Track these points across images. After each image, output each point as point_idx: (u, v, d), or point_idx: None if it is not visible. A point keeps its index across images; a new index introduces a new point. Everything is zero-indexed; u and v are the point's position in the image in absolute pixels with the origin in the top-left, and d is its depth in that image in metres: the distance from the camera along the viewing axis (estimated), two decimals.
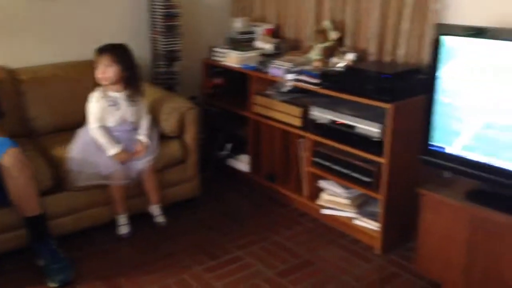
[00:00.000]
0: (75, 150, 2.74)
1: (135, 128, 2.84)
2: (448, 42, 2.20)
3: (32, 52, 3.22)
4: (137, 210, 2.92)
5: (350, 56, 2.91)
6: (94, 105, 2.76)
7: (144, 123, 2.86)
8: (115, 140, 2.75)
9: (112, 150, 2.72)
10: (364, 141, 2.62)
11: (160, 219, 2.93)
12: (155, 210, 2.93)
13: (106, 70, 2.73)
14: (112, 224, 2.84)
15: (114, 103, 2.77)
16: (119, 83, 2.78)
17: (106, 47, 2.79)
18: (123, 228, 2.82)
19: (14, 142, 2.41)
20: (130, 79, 2.80)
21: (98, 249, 2.71)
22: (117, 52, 2.78)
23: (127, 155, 2.75)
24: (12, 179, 2.33)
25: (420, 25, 2.76)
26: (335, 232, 2.86)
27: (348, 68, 2.82)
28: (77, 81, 3.19)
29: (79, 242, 2.74)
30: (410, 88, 2.57)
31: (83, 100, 3.10)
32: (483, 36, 2.09)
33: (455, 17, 2.61)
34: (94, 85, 2.82)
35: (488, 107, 2.09)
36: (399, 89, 2.51)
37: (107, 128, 2.77)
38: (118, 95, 2.79)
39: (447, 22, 2.62)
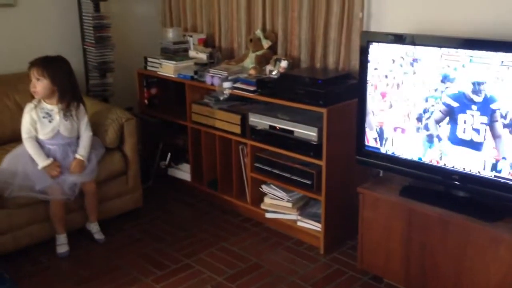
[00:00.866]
0: (7, 161, 2.66)
1: (70, 143, 2.77)
2: (373, 48, 2.36)
3: None
4: (79, 224, 2.87)
5: (283, 64, 3.01)
6: (25, 116, 2.72)
7: (84, 140, 2.79)
8: (47, 153, 2.69)
9: (41, 163, 2.65)
10: (302, 145, 2.74)
11: (98, 236, 2.88)
12: (93, 227, 2.89)
13: (36, 84, 2.68)
14: (53, 241, 2.76)
15: (48, 115, 2.72)
16: (52, 97, 2.72)
17: (36, 60, 2.73)
18: (61, 248, 2.75)
19: None
20: (64, 93, 2.73)
21: (40, 267, 2.63)
22: (47, 65, 2.70)
23: (57, 169, 2.67)
24: None
25: (347, 33, 2.91)
26: (280, 235, 2.95)
27: (282, 75, 2.93)
28: (5, 95, 3.07)
29: (20, 261, 2.65)
30: (342, 92, 2.71)
31: (16, 113, 3.02)
32: (404, 42, 2.27)
33: (378, 25, 2.80)
34: (30, 97, 2.76)
35: (407, 108, 2.27)
36: (332, 94, 2.64)
37: (40, 140, 2.70)
38: (52, 107, 2.73)
39: (371, 30, 2.80)
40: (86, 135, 2.81)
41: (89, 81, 3.58)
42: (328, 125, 2.59)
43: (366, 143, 2.47)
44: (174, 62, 3.39)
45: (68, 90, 2.75)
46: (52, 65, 2.72)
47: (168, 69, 3.42)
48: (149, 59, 3.58)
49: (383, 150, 2.42)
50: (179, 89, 3.50)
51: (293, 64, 3.14)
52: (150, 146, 3.55)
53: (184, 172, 3.53)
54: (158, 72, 3.49)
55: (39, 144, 2.71)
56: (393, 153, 2.38)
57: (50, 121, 2.71)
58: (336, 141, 2.66)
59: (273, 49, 3.25)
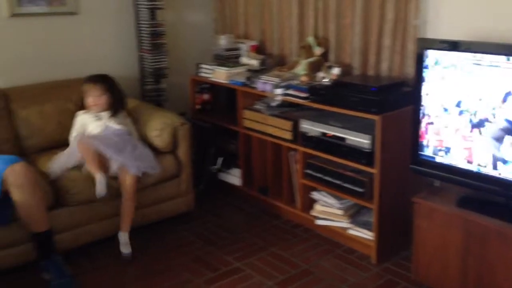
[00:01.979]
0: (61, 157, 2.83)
1: (123, 134, 2.95)
2: (429, 55, 2.33)
3: (21, 72, 3.23)
4: (140, 223, 2.97)
5: (335, 71, 3.02)
6: (76, 120, 3.01)
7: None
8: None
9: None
10: (354, 152, 2.73)
11: (125, 249, 2.78)
12: (123, 237, 2.81)
13: (99, 99, 2.97)
14: (110, 240, 2.86)
15: (97, 117, 3.00)
16: (108, 109, 3.01)
17: (96, 78, 3.02)
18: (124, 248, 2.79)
19: (21, 158, 2.46)
20: (117, 104, 3.05)
21: (98, 265, 2.73)
22: (107, 82, 3.02)
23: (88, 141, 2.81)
24: (24, 195, 2.36)
25: (402, 40, 2.89)
26: (330, 242, 2.94)
27: (334, 82, 2.93)
28: (66, 99, 3.21)
29: (78, 258, 2.76)
30: (396, 100, 2.69)
31: (72, 117, 3.16)
32: (461, 49, 2.23)
33: (434, 32, 2.76)
34: (82, 104, 3.05)
35: (467, 117, 2.23)
36: (385, 101, 2.63)
37: (93, 136, 2.90)
38: (101, 113, 3.01)
39: (427, 37, 2.77)
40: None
41: (144, 86, 3.69)
42: (381, 132, 2.57)
43: (421, 152, 2.43)
44: (226, 69, 3.45)
45: (119, 101, 3.07)
46: (109, 82, 3.05)
47: (220, 75, 3.48)
48: (202, 66, 3.66)
49: (438, 159, 2.38)
50: (231, 95, 3.57)
51: (345, 71, 3.13)
52: (202, 150, 3.62)
53: (234, 177, 3.58)
54: (211, 78, 3.56)
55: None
56: (449, 162, 2.34)
57: (99, 119, 2.98)
58: (389, 149, 2.63)
59: (325, 56, 3.26)
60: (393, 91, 2.74)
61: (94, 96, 2.97)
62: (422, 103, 2.39)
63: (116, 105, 3.03)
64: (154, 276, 2.62)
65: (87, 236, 2.80)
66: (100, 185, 2.69)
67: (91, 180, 2.72)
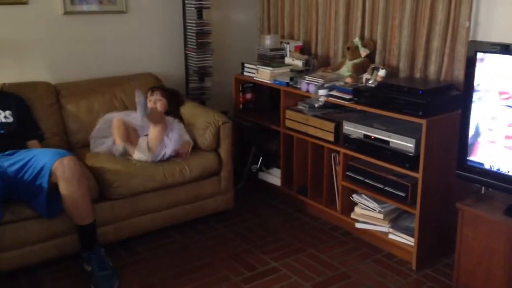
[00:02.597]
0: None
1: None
2: (481, 59, 2.26)
3: (72, 68, 3.34)
4: (179, 219, 3.02)
5: (381, 73, 2.96)
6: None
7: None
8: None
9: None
10: (398, 156, 2.67)
11: None
12: None
13: (158, 103, 3.12)
14: (151, 234, 2.92)
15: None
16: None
17: (157, 86, 3.29)
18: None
19: (70, 152, 2.55)
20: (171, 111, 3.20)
21: (138, 258, 2.78)
22: (165, 89, 3.23)
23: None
24: (71, 188, 2.43)
25: (452, 42, 2.81)
26: (370, 246, 2.89)
27: (380, 84, 2.88)
28: (113, 96, 3.30)
29: (119, 251, 2.82)
30: (444, 104, 2.62)
31: None
32: None
33: (485, 34, 2.68)
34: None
35: None
36: (433, 104, 2.56)
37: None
38: None
39: (478, 39, 2.68)
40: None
41: (189, 84, 3.74)
42: (427, 136, 2.51)
43: (468, 157, 2.36)
44: (270, 68, 3.46)
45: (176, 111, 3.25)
46: (171, 93, 3.27)
47: (264, 75, 3.49)
48: (246, 65, 3.67)
49: (487, 165, 2.29)
50: (274, 95, 3.57)
51: (391, 73, 3.08)
52: (243, 149, 3.64)
53: (274, 177, 3.58)
54: (254, 78, 3.58)
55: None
56: (498, 169, 2.25)
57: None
58: (435, 154, 2.56)
59: (370, 57, 3.21)
60: (440, 94, 2.67)
61: (153, 100, 3.13)
62: (471, 107, 2.31)
63: (169, 112, 3.16)
64: (192, 272, 2.65)
65: (128, 229, 2.86)
66: (117, 152, 2.90)
67: (132, 174, 2.79)
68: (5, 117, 2.69)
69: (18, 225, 2.49)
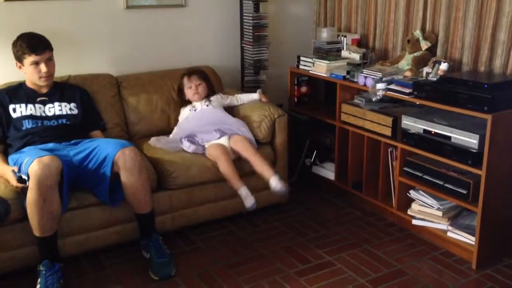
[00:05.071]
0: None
1: (220, 118, 3.14)
2: None
3: (132, 61, 3.44)
4: (234, 210, 3.05)
5: (443, 66, 2.87)
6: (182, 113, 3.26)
7: (243, 97, 3.37)
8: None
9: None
10: (460, 152, 2.59)
11: (279, 185, 2.82)
12: (273, 181, 2.84)
13: (199, 87, 3.21)
14: (206, 225, 2.97)
15: (193, 107, 3.22)
16: (206, 97, 3.24)
17: (193, 70, 3.30)
18: (248, 201, 2.83)
19: (131, 143, 2.63)
20: (211, 91, 3.30)
21: (194, 247, 2.84)
22: (202, 72, 3.32)
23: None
24: (132, 178, 2.51)
25: None
26: (427, 244, 2.83)
27: (442, 77, 2.80)
28: (171, 88, 3.37)
29: (176, 240, 2.89)
30: (511, 98, 2.51)
31: (177, 106, 3.32)
32: None
33: None
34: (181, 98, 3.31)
35: None
36: (499, 99, 2.47)
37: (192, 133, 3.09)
38: (196, 104, 3.23)
39: None
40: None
41: (244, 77, 3.77)
42: (492, 132, 2.42)
43: None
44: (327, 62, 3.42)
45: (211, 85, 3.32)
46: (204, 72, 3.34)
47: (320, 68, 3.46)
48: (302, 58, 3.66)
49: None
50: (329, 88, 3.54)
51: (453, 67, 2.98)
52: (297, 143, 3.63)
53: (328, 171, 3.56)
54: (310, 71, 3.56)
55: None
56: None
57: (195, 111, 3.19)
58: (500, 150, 2.47)
59: (431, 50, 3.13)
60: (507, 88, 2.57)
61: (194, 86, 3.20)
62: None
63: (210, 92, 3.27)
64: (246, 263, 2.68)
65: (185, 219, 2.93)
66: (248, 199, 2.84)
67: (189, 165, 2.86)
68: (71, 109, 2.80)
69: (82, 212, 2.60)
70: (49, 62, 2.68)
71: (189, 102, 3.25)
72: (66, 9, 3.18)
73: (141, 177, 2.54)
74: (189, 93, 3.22)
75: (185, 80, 3.24)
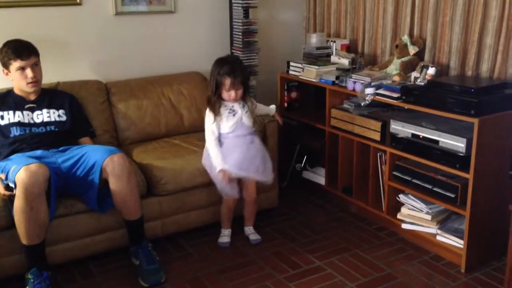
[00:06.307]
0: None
1: (251, 133, 2.89)
2: None
3: (122, 67, 3.44)
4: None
5: (431, 71, 2.90)
6: (209, 116, 2.84)
7: (262, 108, 3.15)
8: (230, 145, 2.81)
9: (219, 166, 2.75)
10: (448, 156, 2.60)
11: (253, 236, 2.96)
12: (248, 230, 3.00)
13: (237, 93, 2.80)
14: (198, 230, 2.98)
15: (232, 111, 2.84)
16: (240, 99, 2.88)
17: (237, 70, 2.78)
18: (223, 238, 2.94)
19: (119, 150, 2.62)
20: (247, 92, 2.92)
21: (184, 254, 2.83)
22: (245, 74, 2.87)
23: (227, 178, 2.75)
24: (121, 184, 2.50)
25: (506, 39, 2.72)
26: (416, 247, 2.84)
27: (429, 82, 2.82)
28: (160, 94, 3.36)
29: (166, 246, 2.88)
30: (497, 102, 2.54)
31: (170, 111, 3.31)
32: None
33: None
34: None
35: None
36: (485, 103, 2.48)
37: (223, 135, 2.83)
38: (233, 103, 2.85)
39: None
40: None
41: None
42: (479, 136, 2.44)
43: None
44: (316, 67, 3.44)
45: (249, 87, 3.00)
46: (245, 72, 2.92)
47: (310, 73, 3.48)
48: (292, 64, 3.67)
49: None
50: (319, 93, 3.55)
51: (441, 71, 3.01)
52: (288, 148, 3.63)
53: (318, 176, 3.56)
54: (300, 76, 3.57)
55: (220, 140, 2.84)
56: None
57: (234, 115, 2.83)
58: (487, 154, 2.49)
59: (419, 55, 3.15)
60: (493, 93, 2.59)
61: (233, 91, 2.78)
62: None
63: (247, 92, 2.92)
64: (237, 269, 2.68)
65: (175, 225, 2.92)
66: (224, 237, 2.93)
67: (179, 170, 2.85)
68: (59, 115, 2.79)
69: (71, 219, 2.59)
70: (36, 67, 2.68)
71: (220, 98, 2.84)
72: (55, 16, 3.18)
73: (130, 184, 2.53)
74: (226, 95, 2.81)
75: (227, 81, 2.76)
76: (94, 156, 2.51)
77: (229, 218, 2.95)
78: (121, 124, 3.22)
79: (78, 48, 3.30)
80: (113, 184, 2.50)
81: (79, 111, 2.94)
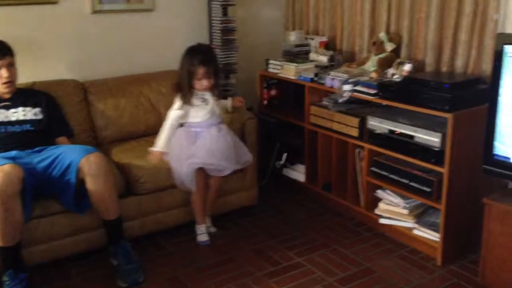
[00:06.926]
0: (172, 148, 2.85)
1: (221, 121, 2.93)
2: (509, 52, 2.20)
3: (99, 66, 3.41)
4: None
5: (407, 67, 2.92)
6: (177, 105, 2.85)
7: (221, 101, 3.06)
8: (197, 136, 2.83)
9: (158, 148, 2.78)
10: (423, 151, 2.64)
11: (212, 229, 3.00)
12: (208, 221, 3.00)
13: (208, 82, 2.80)
14: (176, 228, 2.97)
15: (204, 100, 2.86)
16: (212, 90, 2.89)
17: (209, 59, 2.81)
18: (201, 237, 2.91)
19: (96, 149, 2.60)
20: (218, 81, 2.95)
21: (164, 252, 2.82)
22: (215, 63, 2.88)
23: (158, 158, 2.79)
24: (98, 184, 2.48)
25: (479, 35, 2.76)
26: (394, 242, 2.87)
27: (405, 78, 2.84)
28: (139, 93, 3.35)
29: (145, 245, 2.87)
30: (471, 97, 2.57)
31: (149, 110, 3.29)
32: None
33: None
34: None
35: None
36: (459, 98, 2.52)
37: (193, 124, 2.86)
38: (204, 93, 2.87)
39: (507, 32, 2.62)
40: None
41: None
42: (453, 131, 2.47)
43: (495, 152, 2.31)
44: (295, 64, 3.45)
45: (219, 77, 2.98)
46: (215, 61, 2.91)
47: (289, 71, 3.49)
48: (271, 61, 3.68)
49: None
50: (298, 91, 3.57)
51: (417, 67, 3.04)
52: (267, 145, 3.64)
53: (298, 173, 3.58)
54: (279, 74, 3.58)
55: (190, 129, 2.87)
56: None
57: (206, 104, 2.86)
58: (461, 148, 2.52)
59: (396, 52, 3.18)
60: (467, 88, 2.62)
61: (204, 79, 2.79)
62: (499, 101, 2.26)
63: (217, 83, 2.92)
64: (217, 267, 2.68)
65: (154, 224, 2.91)
66: (202, 236, 2.90)
67: (158, 169, 2.84)
68: (35, 114, 2.76)
69: (48, 220, 2.57)
70: (11, 67, 2.65)
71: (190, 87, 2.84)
72: (31, 15, 3.14)
73: (107, 183, 2.52)
74: (198, 85, 2.81)
75: (201, 70, 2.76)
76: (70, 156, 2.49)
77: (201, 210, 2.90)
78: (99, 123, 3.20)
79: (55, 47, 3.26)
80: (90, 184, 2.48)
81: (56, 110, 2.92)
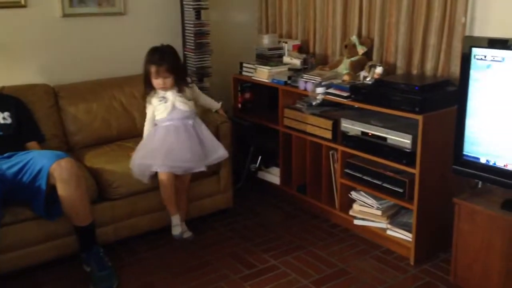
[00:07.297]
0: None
1: (189, 117, 2.92)
2: (477, 54, 2.26)
3: (70, 70, 3.36)
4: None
5: (378, 70, 2.96)
6: (148, 109, 2.96)
7: (206, 99, 3.24)
8: (165, 131, 2.87)
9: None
10: (395, 152, 2.68)
11: (186, 234, 2.93)
12: (183, 225, 2.94)
13: (166, 81, 2.85)
14: (150, 234, 2.94)
15: (163, 98, 2.90)
16: (173, 87, 2.91)
17: (162, 57, 2.85)
18: (175, 229, 2.86)
19: (67, 154, 2.55)
20: (180, 79, 2.93)
21: (138, 258, 2.79)
22: (171, 62, 2.87)
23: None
24: (69, 190, 2.44)
25: (448, 38, 2.82)
26: (368, 242, 2.90)
27: (377, 81, 2.89)
28: (111, 97, 3.31)
29: (119, 251, 2.84)
30: (440, 99, 2.62)
31: (122, 115, 3.26)
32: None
33: (482, 30, 2.67)
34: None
35: None
36: (429, 100, 2.57)
37: (158, 121, 2.92)
38: (166, 92, 2.90)
39: (475, 35, 2.68)
40: (204, 96, 3.25)
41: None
42: (423, 132, 2.51)
43: (464, 152, 2.36)
44: (268, 68, 3.47)
45: (182, 75, 2.98)
46: (173, 60, 2.91)
47: (262, 74, 3.50)
48: (245, 65, 3.69)
49: (483, 160, 2.30)
50: (272, 94, 3.58)
51: (389, 70, 3.09)
52: (242, 149, 3.65)
53: (273, 176, 3.59)
54: (253, 77, 3.59)
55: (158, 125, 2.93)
56: (494, 163, 2.26)
57: (166, 102, 2.89)
58: (431, 149, 2.57)
59: (368, 55, 3.22)
60: (436, 90, 2.68)
61: (161, 79, 2.84)
62: (467, 103, 2.31)
63: (180, 80, 2.92)
64: (192, 271, 2.66)
65: (128, 230, 2.88)
66: (176, 227, 2.86)
67: (131, 173, 2.81)
68: (4, 118, 2.71)
69: (18, 227, 2.51)
70: None
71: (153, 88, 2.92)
72: None
73: (78, 189, 2.47)
74: (155, 83, 2.87)
75: (153, 69, 2.84)
76: (41, 162, 2.45)
77: (172, 201, 2.84)
78: (71, 128, 3.15)
79: (24, 51, 3.20)
80: (61, 190, 2.44)
81: (26, 115, 2.86)
